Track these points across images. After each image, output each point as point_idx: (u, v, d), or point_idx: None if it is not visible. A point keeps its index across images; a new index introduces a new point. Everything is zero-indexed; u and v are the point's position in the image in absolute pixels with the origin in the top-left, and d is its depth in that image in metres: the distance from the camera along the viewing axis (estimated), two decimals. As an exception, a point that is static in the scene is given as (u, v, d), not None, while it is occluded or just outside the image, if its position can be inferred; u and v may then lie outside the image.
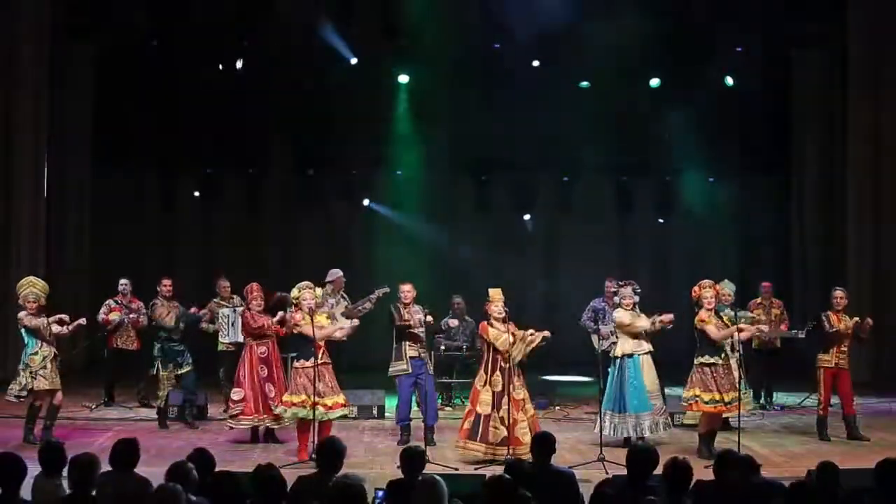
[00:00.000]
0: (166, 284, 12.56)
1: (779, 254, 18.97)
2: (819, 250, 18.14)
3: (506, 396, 10.25)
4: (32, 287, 11.29)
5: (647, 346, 11.16)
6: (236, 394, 11.30)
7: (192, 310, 12.74)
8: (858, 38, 16.42)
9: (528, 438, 9.97)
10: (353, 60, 16.88)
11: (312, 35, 16.52)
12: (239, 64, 16.68)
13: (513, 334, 10.31)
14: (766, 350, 13.86)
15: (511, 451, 10.08)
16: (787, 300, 14.90)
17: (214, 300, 13.50)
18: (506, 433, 10.19)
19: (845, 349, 11.75)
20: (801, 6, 16.59)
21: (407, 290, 11.59)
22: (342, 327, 10.85)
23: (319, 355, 10.32)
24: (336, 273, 13.95)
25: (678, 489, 6.09)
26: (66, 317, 11.44)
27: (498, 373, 10.37)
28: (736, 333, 10.74)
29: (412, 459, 6.59)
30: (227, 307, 13.19)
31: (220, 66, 16.75)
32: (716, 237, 19.13)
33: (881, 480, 6.22)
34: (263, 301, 11.53)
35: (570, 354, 15.55)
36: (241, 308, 12.81)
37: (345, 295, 13.77)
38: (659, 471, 6.39)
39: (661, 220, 19.08)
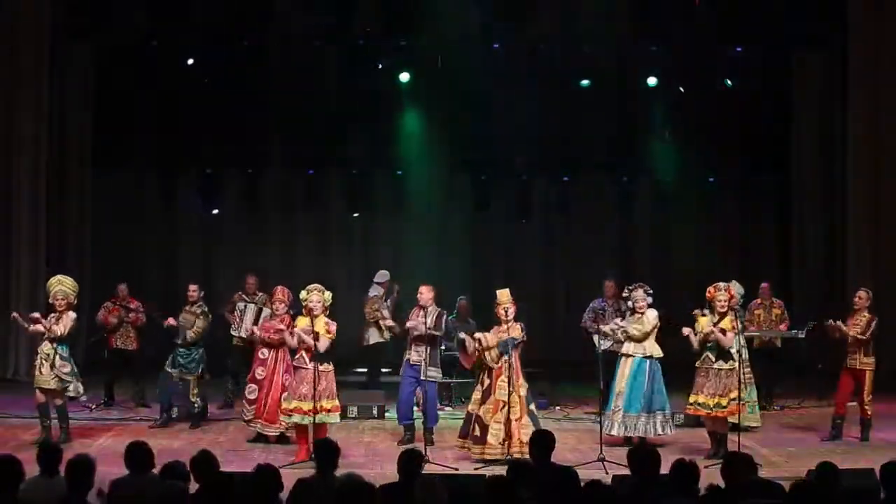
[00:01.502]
0: (192, 290, 12.51)
1: (779, 254, 18.95)
2: (819, 250, 18.12)
3: (491, 395, 10.32)
4: (61, 285, 11.33)
5: (627, 349, 11.16)
6: (250, 392, 11.37)
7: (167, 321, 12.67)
8: (858, 39, 16.41)
9: (495, 441, 10.10)
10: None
11: (313, 34, 16.51)
12: (190, 61, 16.69)
13: (476, 338, 10.44)
14: (766, 350, 13.87)
15: (482, 450, 10.15)
16: (787, 300, 14.89)
17: (238, 293, 13.56)
18: (477, 432, 10.28)
19: (867, 351, 11.67)
20: (801, 6, 16.59)
21: (421, 292, 11.54)
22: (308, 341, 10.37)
23: (298, 357, 10.40)
24: (385, 275, 14.14)
25: (686, 490, 6.08)
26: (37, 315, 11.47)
27: (485, 373, 10.48)
28: (720, 336, 10.65)
29: (410, 462, 6.59)
30: (246, 302, 13.26)
31: (190, 61, 16.76)
32: (716, 237, 19.11)
33: (887, 482, 6.21)
34: (283, 304, 11.46)
35: (569, 355, 15.57)
36: (253, 305, 12.95)
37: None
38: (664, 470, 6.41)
39: (659, 222, 19.03)
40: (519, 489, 5.86)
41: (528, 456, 9.47)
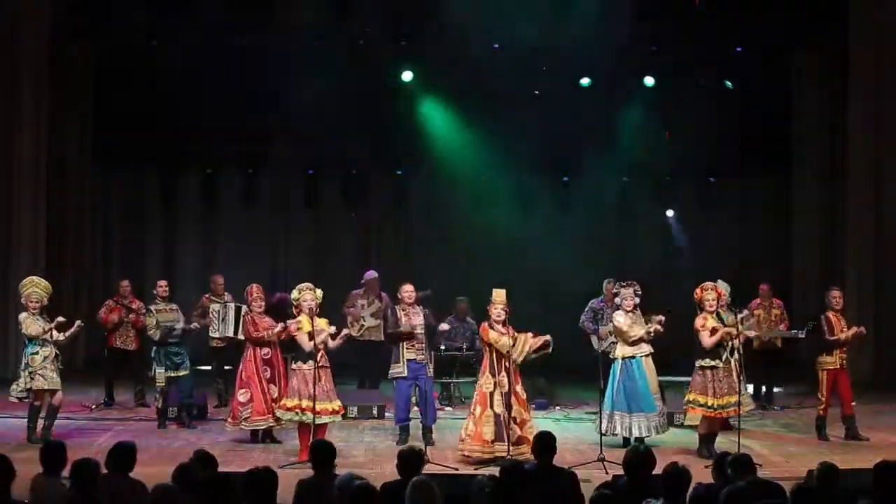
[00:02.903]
0: (162, 286, 12.53)
1: (779, 254, 18.96)
2: (819, 250, 18.13)
3: (513, 396, 10.28)
4: (35, 287, 11.31)
5: (646, 349, 11.16)
6: (242, 395, 11.26)
7: (192, 325, 12.72)
8: (858, 39, 16.41)
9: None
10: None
11: (313, 34, 16.53)
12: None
13: (513, 337, 10.31)
14: (766, 350, 13.89)
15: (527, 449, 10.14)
16: (787, 300, 14.89)
17: (206, 295, 13.52)
18: (520, 432, 10.24)
19: (845, 350, 11.72)
20: (801, 6, 16.59)
21: (408, 291, 11.52)
22: (332, 335, 10.53)
23: (318, 358, 10.31)
24: (370, 275, 14.16)
25: (676, 493, 6.08)
26: (62, 319, 11.43)
27: (504, 373, 10.40)
28: (734, 333, 10.70)
29: (410, 461, 6.59)
30: (218, 303, 13.22)
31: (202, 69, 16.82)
32: (716, 237, 19.11)
33: (879, 482, 6.21)
34: (264, 302, 11.51)
35: (569, 356, 15.54)
36: (232, 304, 12.88)
37: (382, 295, 14.04)
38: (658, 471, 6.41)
39: (668, 215, 19.00)
40: (520, 491, 5.88)
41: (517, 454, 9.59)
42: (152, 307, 12.33)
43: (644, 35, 16.51)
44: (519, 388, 10.40)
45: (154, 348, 12.22)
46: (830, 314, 11.68)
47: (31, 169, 15.93)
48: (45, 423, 11.19)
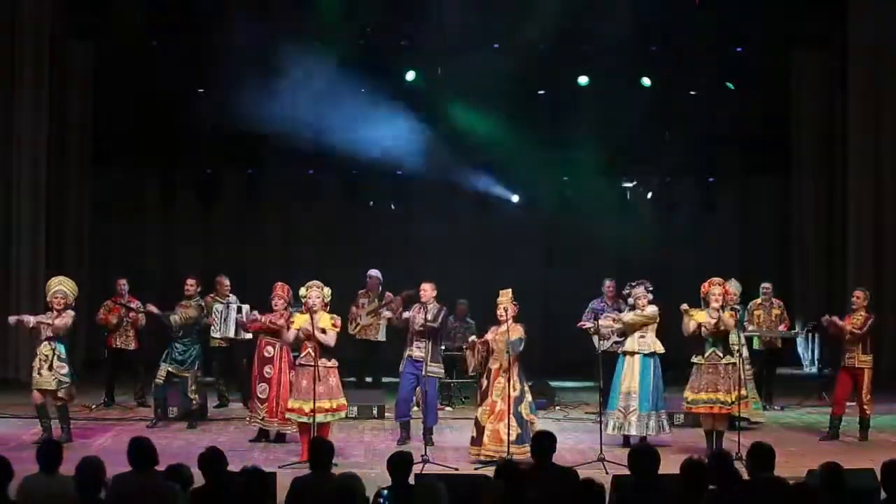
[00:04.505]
0: (191, 284, 12.60)
1: (779, 254, 18.95)
2: (819, 250, 18.13)
3: (488, 398, 10.30)
4: (62, 286, 11.39)
5: (631, 346, 11.14)
6: (262, 392, 11.36)
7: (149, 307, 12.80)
8: (858, 38, 16.42)
9: (492, 446, 10.06)
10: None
11: (312, 34, 16.53)
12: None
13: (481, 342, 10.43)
14: (766, 350, 13.89)
15: (478, 451, 10.16)
16: (787, 300, 14.89)
17: (210, 295, 13.55)
18: (475, 433, 10.27)
19: (865, 349, 11.64)
20: (801, 6, 16.59)
21: (424, 289, 11.56)
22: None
23: (304, 355, 10.36)
24: (369, 274, 14.29)
25: (695, 488, 6.08)
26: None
27: (483, 375, 10.47)
28: (726, 319, 10.66)
29: (399, 465, 6.60)
30: (222, 303, 13.23)
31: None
32: (716, 237, 19.11)
33: (888, 481, 6.20)
34: (281, 301, 11.44)
35: (569, 356, 15.57)
36: (235, 305, 12.92)
37: (387, 295, 14.14)
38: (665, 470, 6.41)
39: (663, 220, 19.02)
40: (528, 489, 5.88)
41: (510, 455, 9.57)
42: (183, 303, 12.48)
43: (644, 35, 16.52)
44: (495, 393, 10.29)
45: (169, 343, 12.31)
46: (848, 316, 11.67)
47: (31, 169, 15.93)
48: (61, 425, 11.17)
